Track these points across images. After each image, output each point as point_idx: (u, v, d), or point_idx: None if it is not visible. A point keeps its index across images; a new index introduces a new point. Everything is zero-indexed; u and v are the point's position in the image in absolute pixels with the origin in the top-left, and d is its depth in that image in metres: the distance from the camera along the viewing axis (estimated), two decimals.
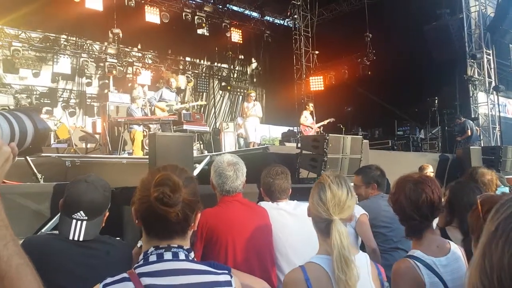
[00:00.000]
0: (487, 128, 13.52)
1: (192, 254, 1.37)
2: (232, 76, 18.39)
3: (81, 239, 1.86)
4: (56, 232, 1.99)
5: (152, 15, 13.71)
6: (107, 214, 2.04)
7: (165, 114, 8.96)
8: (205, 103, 16.16)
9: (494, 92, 13.67)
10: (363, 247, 3.13)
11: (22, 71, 12.76)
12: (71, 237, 1.85)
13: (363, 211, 3.15)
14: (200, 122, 10.04)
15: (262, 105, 18.57)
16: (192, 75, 16.62)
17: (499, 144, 12.15)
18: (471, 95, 13.52)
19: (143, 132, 9.43)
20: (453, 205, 2.37)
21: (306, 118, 11.24)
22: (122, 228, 3.27)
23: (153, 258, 1.31)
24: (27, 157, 4.78)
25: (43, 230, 3.41)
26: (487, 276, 0.61)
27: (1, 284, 0.82)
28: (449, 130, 12.82)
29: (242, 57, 17.89)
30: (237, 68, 18.61)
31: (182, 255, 1.33)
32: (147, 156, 6.06)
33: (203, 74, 17.39)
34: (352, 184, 3.37)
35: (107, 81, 14.36)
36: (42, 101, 13.06)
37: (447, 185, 2.55)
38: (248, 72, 19.13)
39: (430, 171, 6.35)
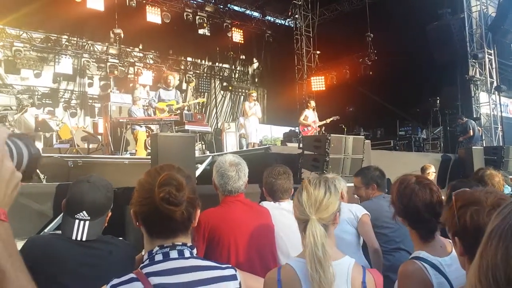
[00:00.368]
0: (489, 128, 13.50)
1: (195, 251, 1.38)
2: (233, 76, 18.40)
3: (83, 239, 1.87)
4: (59, 232, 1.99)
5: (153, 15, 13.73)
6: (110, 214, 2.04)
7: (166, 114, 8.96)
8: (204, 100, 16.14)
9: (496, 92, 13.64)
10: (365, 247, 3.12)
11: (24, 72, 12.78)
12: (74, 237, 1.86)
13: (365, 211, 3.14)
14: (201, 122, 10.04)
15: (264, 105, 18.64)
16: (193, 75, 16.64)
17: (501, 144, 12.13)
18: (472, 95, 13.50)
19: (146, 132, 9.43)
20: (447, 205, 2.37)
21: (307, 116, 11.22)
22: (124, 228, 3.28)
23: (159, 257, 1.31)
24: None
25: (46, 230, 3.42)
26: (483, 274, 0.62)
27: None
28: (451, 130, 12.81)
29: (244, 57, 17.91)
30: (238, 68, 18.62)
31: (187, 253, 1.34)
32: (149, 157, 6.07)
33: (205, 74, 17.41)
34: (344, 184, 3.37)
35: (108, 81, 14.39)
36: (43, 101, 13.08)
37: (449, 184, 2.55)
38: (250, 72, 19.14)
39: (432, 171, 6.34)
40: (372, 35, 14.44)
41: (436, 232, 1.91)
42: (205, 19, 15.11)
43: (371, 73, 14.88)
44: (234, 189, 2.50)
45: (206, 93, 17.05)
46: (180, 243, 1.34)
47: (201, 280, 1.30)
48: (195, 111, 14.96)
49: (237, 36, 16.37)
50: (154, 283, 1.24)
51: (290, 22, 18.83)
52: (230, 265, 1.43)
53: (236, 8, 17.56)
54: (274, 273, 1.71)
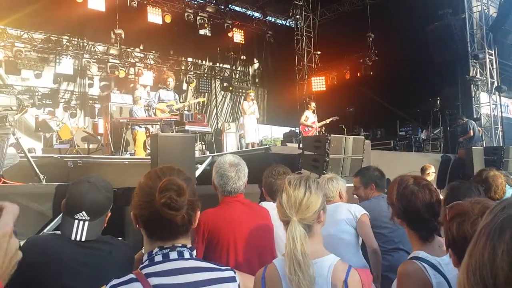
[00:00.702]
0: (489, 129, 13.49)
1: (194, 252, 1.39)
2: (234, 76, 18.41)
3: (83, 239, 1.87)
4: (59, 232, 1.99)
5: (154, 16, 13.74)
6: (109, 214, 2.04)
7: (166, 115, 8.96)
8: (204, 99, 16.13)
9: (496, 92, 13.63)
10: (364, 248, 3.13)
11: (24, 72, 12.79)
12: (73, 237, 1.86)
13: (364, 211, 3.14)
14: (202, 122, 10.04)
15: (264, 105, 18.66)
16: (194, 75, 16.64)
17: (501, 145, 12.12)
18: (473, 95, 13.50)
19: (146, 132, 9.44)
20: (448, 203, 2.39)
21: (308, 117, 11.24)
22: (124, 228, 3.28)
23: (158, 258, 1.31)
24: (30, 157, 4.80)
25: (45, 230, 3.43)
26: (471, 273, 0.63)
27: None
28: (451, 131, 12.80)
29: (244, 57, 17.91)
30: (239, 69, 18.63)
31: (187, 254, 1.35)
32: (149, 157, 6.07)
33: (205, 75, 17.42)
34: (342, 183, 3.37)
35: (109, 82, 14.40)
36: (44, 102, 13.08)
37: (448, 184, 2.56)
38: (250, 73, 19.15)
39: (432, 171, 6.34)
40: (373, 35, 14.44)
41: (435, 232, 1.92)
42: (206, 20, 15.12)
43: (371, 73, 14.89)
44: (233, 190, 2.50)
45: (206, 94, 17.06)
46: (180, 245, 1.35)
47: (200, 281, 1.30)
48: (196, 111, 14.98)
49: (238, 36, 16.39)
50: (153, 284, 1.24)
51: (291, 23, 18.84)
52: (230, 267, 1.44)
53: (237, 8, 17.58)
54: (260, 271, 1.74)
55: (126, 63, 14.46)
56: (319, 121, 11.52)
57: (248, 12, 18.02)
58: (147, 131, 9.41)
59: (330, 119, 11.63)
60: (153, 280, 1.25)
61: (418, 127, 14.41)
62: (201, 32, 15.58)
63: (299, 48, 17.24)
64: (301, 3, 16.76)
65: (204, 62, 17.48)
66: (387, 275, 2.98)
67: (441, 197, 2.14)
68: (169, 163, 1.54)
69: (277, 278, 1.66)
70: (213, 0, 16.34)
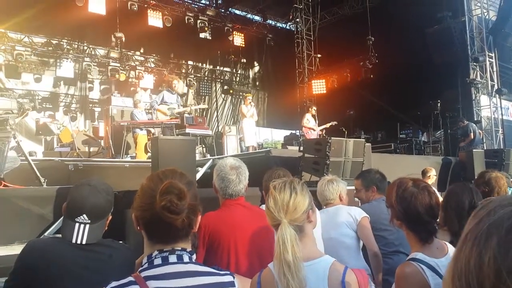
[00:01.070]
0: (490, 131, 13.49)
1: (194, 256, 1.39)
2: (234, 79, 18.44)
3: (84, 242, 1.87)
4: (59, 235, 1.99)
5: (155, 19, 13.76)
6: (110, 217, 2.04)
7: (167, 118, 8.97)
8: (207, 106, 16.16)
9: (497, 95, 13.63)
10: (364, 251, 3.12)
11: (24, 76, 12.81)
12: (74, 241, 1.86)
13: (364, 214, 3.14)
14: (202, 125, 10.05)
15: (264, 108, 18.67)
16: (194, 78, 16.67)
17: (502, 147, 12.12)
18: (473, 98, 13.51)
19: (147, 135, 9.44)
20: (445, 206, 2.40)
21: (308, 120, 11.25)
22: (125, 232, 3.28)
23: (158, 261, 1.32)
24: (30, 161, 4.80)
25: (46, 234, 3.43)
26: (457, 279, 0.61)
27: None
28: (451, 133, 12.80)
29: (245, 60, 17.93)
30: (239, 72, 18.65)
31: (186, 258, 1.34)
32: (150, 160, 6.07)
33: (206, 78, 17.44)
34: (342, 185, 3.36)
35: (109, 85, 14.42)
36: (44, 105, 13.11)
37: (448, 187, 2.57)
38: (251, 76, 19.17)
39: (433, 174, 6.34)
40: (373, 38, 14.46)
41: (434, 233, 1.93)
42: (206, 23, 15.14)
43: (372, 76, 14.89)
44: (234, 193, 2.50)
45: (207, 97, 17.07)
46: (180, 248, 1.35)
47: (198, 285, 1.30)
48: (196, 114, 14.98)
49: (238, 39, 16.41)
50: (151, 287, 1.24)
51: (291, 26, 18.87)
52: (229, 272, 1.43)
53: (237, 12, 17.62)
54: (256, 276, 1.75)
55: (127, 67, 14.48)
56: (319, 125, 11.54)
57: (248, 15, 18.07)
58: (149, 134, 9.42)
59: (330, 124, 11.64)
60: (152, 283, 1.25)
61: (419, 130, 14.41)
62: (202, 35, 15.59)
63: (299, 51, 17.26)
64: (301, 7, 16.79)
65: (204, 65, 17.51)
66: (387, 279, 2.97)
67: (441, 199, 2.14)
68: (169, 166, 1.54)
69: (272, 282, 1.66)
70: (214, 4, 16.39)
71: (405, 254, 3.10)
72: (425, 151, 13.34)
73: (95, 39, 14.16)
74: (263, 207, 2.82)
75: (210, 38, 15.97)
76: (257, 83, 19.24)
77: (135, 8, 13.04)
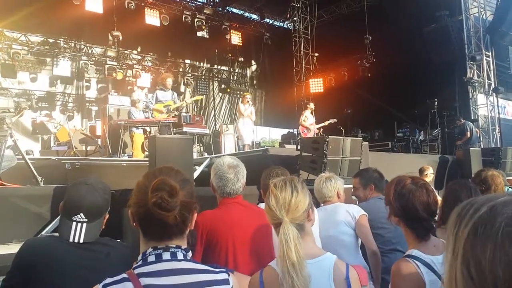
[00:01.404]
0: (487, 130, 13.54)
1: (189, 254, 1.38)
2: (231, 78, 18.42)
3: (81, 241, 1.87)
4: (56, 234, 1.99)
5: (152, 18, 13.72)
6: (107, 216, 2.04)
7: (164, 116, 8.96)
8: (202, 97, 16.07)
9: (494, 93, 13.69)
10: (363, 249, 3.12)
11: (21, 75, 12.76)
12: (71, 239, 1.86)
13: (363, 212, 3.14)
14: (200, 124, 10.04)
15: (262, 107, 18.66)
16: (191, 77, 16.65)
17: (499, 146, 12.16)
18: (470, 97, 13.54)
19: (144, 134, 9.43)
20: (443, 204, 2.41)
21: (307, 117, 11.24)
22: (122, 230, 3.28)
23: (151, 258, 1.32)
24: (27, 159, 4.79)
25: (43, 233, 3.42)
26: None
27: None
28: (449, 132, 12.82)
29: (242, 59, 17.91)
30: (236, 71, 18.63)
31: (180, 255, 1.34)
32: (147, 159, 6.06)
33: (203, 77, 17.42)
34: (340, 183, 3.36)
35: (106, 84, 14.38)
36: (41, 104, 13.06)
37: (446, 185, 2.58)
38: (248, 75, 19.16)
39: (430, 172, 6.35)
40: (370, 37, 14.47)
41: (431, 231, 1.94)
42: (204, 22, 15.10)
43: (369, 75, 14.92)
44: (232, 191, 2.50)
45: (204, 95, 17.06)
46: (174, 246, 1.35)
47: (192, 283, 1.30)
48: (193, 113, 14.98)
49: (235, 38, 16.38)
50: (144, 284, 1.24)
51: (288, 25, 18.87)
52: (224, 269, 1.43)
53: (234, 10, 17.59)
54: (257, 275, 1.73)
55: (124, 65, 14.46)
56: (317, 123, 11.53)
57: (246, 14, 18.04)
58: (145, 133, 9.40)
59: (329, 122, 11.64)
60: (145, 280, 1.25)
61: (416, 129, 14.44)
62: (199, 34, 15.55)
63: (296, 50, 17.26)
64: (298, 5, 16.80)
65: (201, 64, 17.49)
66: (384, 277, 2.98)
67: (439, 198, 2.15)
68: (167, 164, 1.54)
69: (276, 280, 1.65)
70: (211, 2, 16.35)
71: (402, 252, 3.09)
72: (422, 150, 13.37)
73: (92, 37, 14.10)
74: (261, 205, 2.82)
75: (207, 36, 15.92)
76: (255, 82, 19.23)
77: (132, 7, 13.00)
